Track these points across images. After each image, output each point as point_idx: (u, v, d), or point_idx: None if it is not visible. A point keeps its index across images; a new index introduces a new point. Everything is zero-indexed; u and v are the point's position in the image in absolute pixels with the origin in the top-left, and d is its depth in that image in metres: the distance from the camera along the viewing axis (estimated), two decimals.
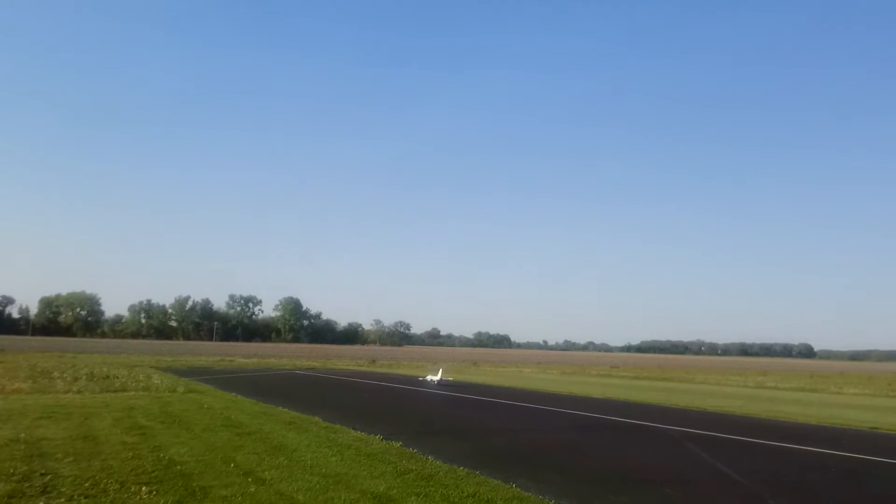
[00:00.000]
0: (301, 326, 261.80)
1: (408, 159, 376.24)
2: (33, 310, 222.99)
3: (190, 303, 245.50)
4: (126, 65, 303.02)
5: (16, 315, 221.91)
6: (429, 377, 36.58)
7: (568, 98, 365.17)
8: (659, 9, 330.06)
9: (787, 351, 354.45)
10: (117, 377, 29.38)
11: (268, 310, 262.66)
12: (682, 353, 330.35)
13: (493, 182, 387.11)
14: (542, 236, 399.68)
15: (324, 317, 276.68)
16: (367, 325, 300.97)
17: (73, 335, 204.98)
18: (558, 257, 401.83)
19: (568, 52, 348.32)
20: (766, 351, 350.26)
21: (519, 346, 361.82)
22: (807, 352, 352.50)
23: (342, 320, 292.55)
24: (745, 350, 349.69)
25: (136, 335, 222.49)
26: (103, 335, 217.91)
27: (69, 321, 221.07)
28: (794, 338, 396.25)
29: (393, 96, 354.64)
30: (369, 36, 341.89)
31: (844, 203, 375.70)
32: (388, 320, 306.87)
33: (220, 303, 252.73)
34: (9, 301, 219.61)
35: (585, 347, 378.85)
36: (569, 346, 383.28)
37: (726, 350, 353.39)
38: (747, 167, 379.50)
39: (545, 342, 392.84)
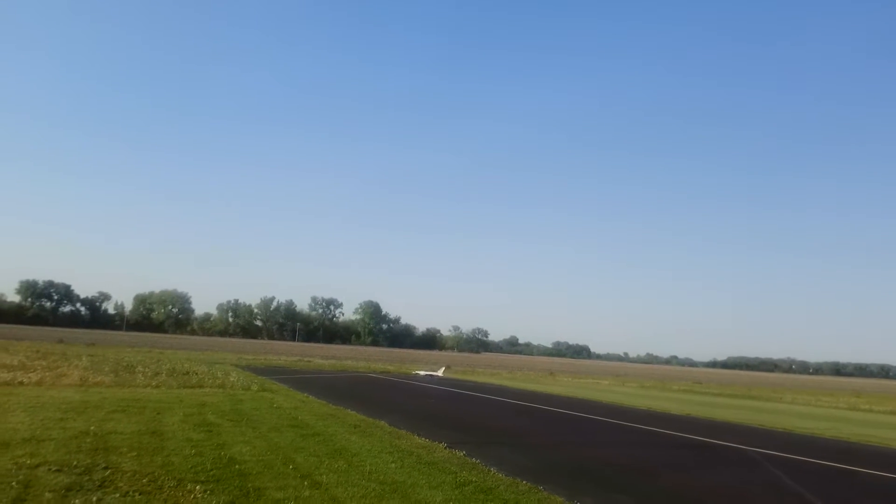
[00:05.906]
0: (380, 330, 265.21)
1: (488, 168, 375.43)
2: (128, 306, 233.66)
3: (275, 303, 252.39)
4: (225, 65, 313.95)
5: (112, 311, 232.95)
6: (437, 373, 46.05)
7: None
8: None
9: (883, 372, 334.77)
10: (196, 373, 30.11)
11: (348, 313, 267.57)
12: (771, 370, 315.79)
13: (576, 193, 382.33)
14: (628, 247, 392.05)
15: (403, 321, 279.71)
16: (445, 330, 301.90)
17: (165, 332, 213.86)
18: (642, 268, 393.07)
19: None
20: (861, 371, 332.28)
21: (599, 357, 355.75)
22: None
23: (421, 325, 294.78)
24: (838, 370, 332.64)
25: (223, 333, 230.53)
26: (193, 332, 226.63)
27: (161, 318, 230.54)
28: (892, 358, 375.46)
29: (468, 106, 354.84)
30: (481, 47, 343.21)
31: None
32: (467, 327, 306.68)
33: (303, 304, 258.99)
34: (105, 297, 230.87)
35: (668, 361, 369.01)
36: (650, 360, 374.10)
37: (818, 369, 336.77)
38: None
39: (626, 354, 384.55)
